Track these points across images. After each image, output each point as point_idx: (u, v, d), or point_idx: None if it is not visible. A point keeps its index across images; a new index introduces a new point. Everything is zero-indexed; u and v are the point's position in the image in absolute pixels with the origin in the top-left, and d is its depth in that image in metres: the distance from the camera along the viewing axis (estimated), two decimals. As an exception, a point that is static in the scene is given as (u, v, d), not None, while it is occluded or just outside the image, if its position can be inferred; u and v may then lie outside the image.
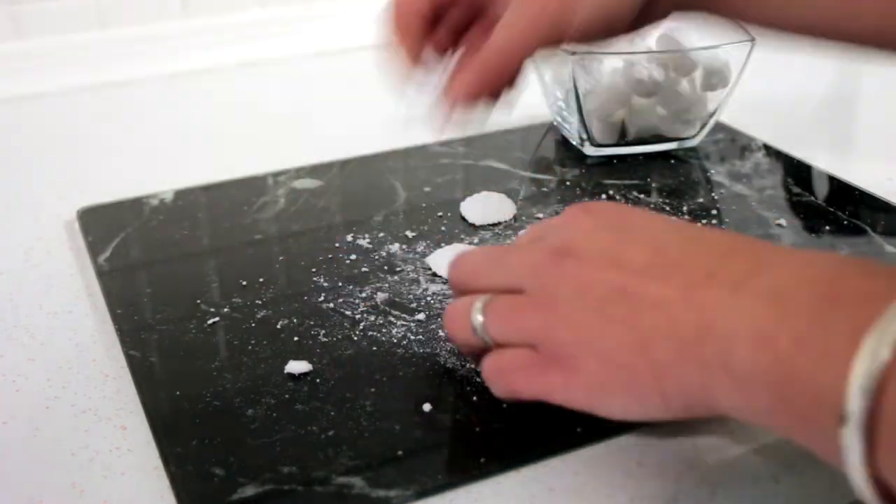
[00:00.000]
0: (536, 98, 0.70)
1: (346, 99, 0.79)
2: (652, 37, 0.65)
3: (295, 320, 0.49)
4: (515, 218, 0.58)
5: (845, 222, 0.57)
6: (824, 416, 0.29)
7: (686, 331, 0.33)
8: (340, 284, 0.52)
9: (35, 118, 0.76)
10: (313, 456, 0.40)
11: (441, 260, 0.53)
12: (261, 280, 0.52)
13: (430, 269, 0.53)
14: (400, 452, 0.40)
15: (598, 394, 0.37)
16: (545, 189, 0.62)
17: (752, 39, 0.64)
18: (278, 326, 0.48)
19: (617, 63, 0.63)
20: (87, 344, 0.49)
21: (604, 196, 0.60)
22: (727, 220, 0.58)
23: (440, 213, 0.59)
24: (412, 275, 0.52)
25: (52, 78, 0.80)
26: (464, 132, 0.64)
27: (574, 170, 0.65)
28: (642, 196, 0.60)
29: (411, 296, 0.50)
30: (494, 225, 0.57)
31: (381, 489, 0.38)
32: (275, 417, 0.42)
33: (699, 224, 0.36)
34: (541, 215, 0.58)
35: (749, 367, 0.31)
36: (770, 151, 0.67)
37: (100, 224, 0.58)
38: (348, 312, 0.49)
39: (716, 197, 0.61)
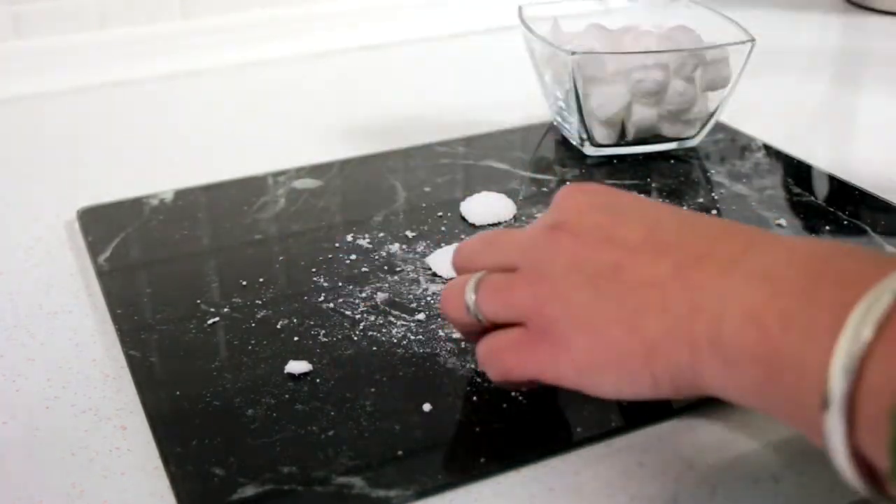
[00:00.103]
0: (536, 98, 0.71)
1: (346, 99, 0.79)
2: (652, 36, 0.65)
3: (295, 320, 0.49)
4: (515, 218, 0.58)
5: (845, 222, 0.57)
6: (808, 394, 0.29)
7: (677, 309, 0.34)
8: (340, 284, 0.52)
9: (35, 118, 0.76)
10: (313, 456, 0.40)
11: (441, 260, 0.53)
12: (261, 280, 0.52)
13: (430, 269, 0.53)
14: (400, 452, 0.40)
15: (587, 371, 0.36)
16: (545, 189, 0.62)
17: (752, 39, 0.64)
18: (278, 326, 0.48)
19: (617, 63, 0.62)
20: (87, 344, 0.49)
21: (604, 196, 0.60)
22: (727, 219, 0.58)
23: (440, 213, 0.59)
24: (412, 275, 0.52)
25: (52, 78, 0.80)
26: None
27: (574, 170, 0.65)
28: (642, 196, 0.60)
29: (411, 296, 0.50)
30: (494, 225, 0.57)
31: (381, 489, 0.38)
32: (275, 417, 0.42)
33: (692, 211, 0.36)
34: (541, 215, 0.58)
35: (737, 344, 0.32)
36: (770, 151, 0.67)
37: (100, 224, 0.58)
38: (348, 312, 0.49)
39: (716, 197, 0.61)
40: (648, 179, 0.63)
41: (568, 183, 0.62)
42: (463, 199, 0.60)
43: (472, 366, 0.45)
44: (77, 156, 0.70)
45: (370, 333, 0.47)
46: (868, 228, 0.56)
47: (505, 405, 0.43)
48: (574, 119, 0.65)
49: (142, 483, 0.40)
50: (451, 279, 0.51)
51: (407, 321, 0.48)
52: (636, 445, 0.41)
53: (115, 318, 0.49)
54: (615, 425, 0.42)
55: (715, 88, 0.65)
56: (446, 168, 0.65)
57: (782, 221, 0.57)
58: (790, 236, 0.34)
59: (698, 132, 0.67)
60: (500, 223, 0.58)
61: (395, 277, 0.52)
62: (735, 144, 0.68)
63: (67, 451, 0.41)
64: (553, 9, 0.70)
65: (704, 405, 0.43)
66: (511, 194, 0.60)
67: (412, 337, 0.47)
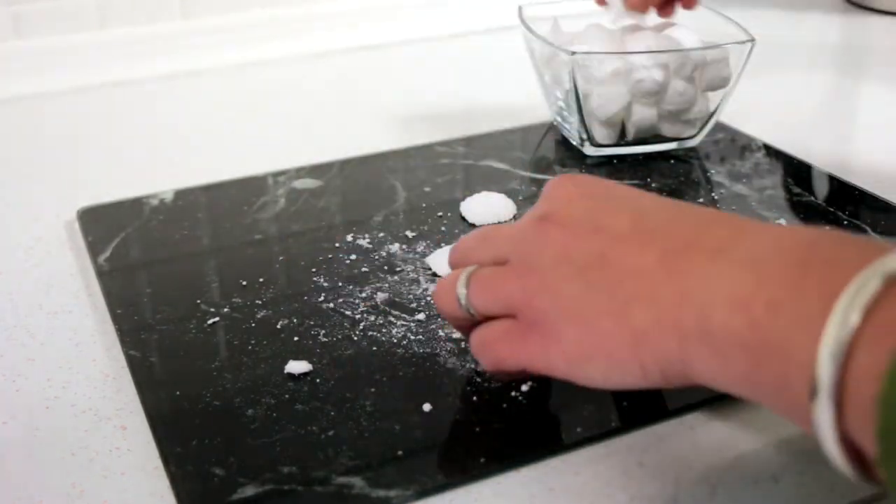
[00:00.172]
0: (536, 98, 0.71)
1: (346, 99, 0.79)
2: (652, 36, 0.65)
3: (295, 320, 0.49)
4: (515, 218, 0.58)
5: (845, 222, 0.57)
6: (796, 381, 0.29)
7: (665, 298, 0.34)
8: (340, 284, 0.52)
9: (35, 118, 0.76)
10: (313, 456, 0.40)
11: (441, 260, 0.53)
12: (261, 280, 0.52)
13: (430, 269, 0.53)
14: (400, 452, 0.40)
15: (577, 362, 0.36)
16: (545, 189, 0.62)
17: (752, 39, 0.64)
18: (278, 326, 0.48)
19: (617, 63, 0.62)
20: (87, 344, 0.49)
21: (604, 196, 0.60)
22: (727, 220, 0.58)
23: (440, 213, 0.59)
24: (412, 275, 0.52)
25: (52, 78, 0.80)
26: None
27: (574, 170, 0.65)
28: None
29: (411, 296, 0.50)
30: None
31: (381, 489, 0.38)
32: (275, 417, 0.42)
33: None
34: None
35: (724, 333, 0.32)
36: (770, 151, 0.67)
37: (100, 224, 0.58)
38: (348, 312, 0.49)
39: (716, 197, 0.61)
40: (648, 179, 0.63)
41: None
42: (463, 199, 0.60)
43: (472, 366, 0.45)
44: (77, 156, 0.70)
45: (370, 333, 0.47)
46: (868, 228, 0.56)
47: (505, 405, 0.43)
48: (574, 119, 0.65)
49: (142, 483, 0.40)
50: (450, 279, 0.51)
51: (407, 321, 0.48)
52: (636, 445, 0.41)
53: (115, 318, 0.49)
54: (615, 425, 0.42)
55: (715, 88, 0.65)
56: (446, 168, 0.65)
57: (782, 221, 0.57)
58: (776, 225, 0.34)
59: (698, 132, 0.67)
60: (500, 223, 0.58)
61: (395, 277, 0.52)
62: (735, 144, 0.68)
63: (67, 451, 0.41)
64: (553, 9, 0.70)
65: (704, 405, 0.43)
66: (511, 194, 0.60)
67: (412, 337, 0.47)
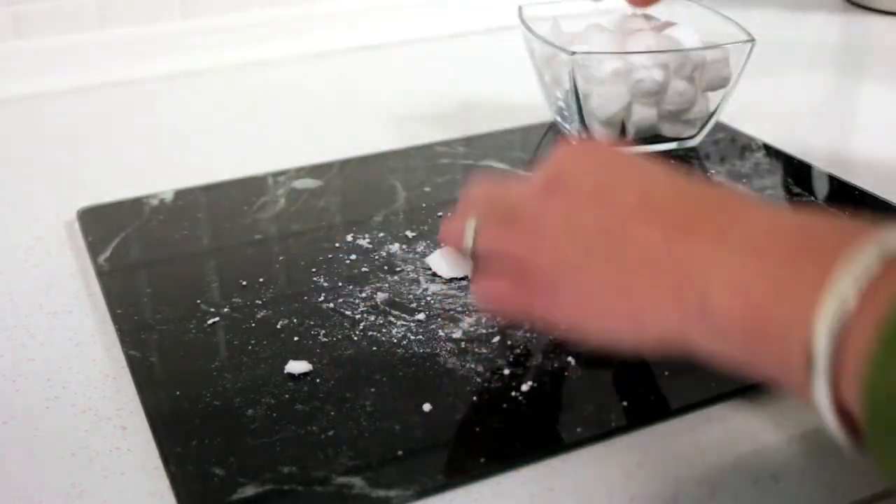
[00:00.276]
0: (536, 98, 0.70)
1: (346, 99, 0.79)
2: (652, 36, 0.65)
3: (295, 320, 0.49)
4: (515, 218, 0.58)
5: (845, 222, 0.57)
6: (795, 357, 0.30)
7: (666, 278, 0.34)
8: (340, 284, 0.52)
9: (35, 118, 0.76)
10: (313, 456, 0.40)
11: (441, 260, 0.53)
12: (261, 280, 0.52)
13: (430, 269, 0.53)
14: (400, 452, 0.40)
15: (576, 322, 0.38)
16: (545, 189, 0.62)
17: (752, 39, 0.64)
18: (278, 326, 0.48)
19: (617, 63, 0.62)
20: (87, 344, 0.49)
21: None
22: (727, 220, 0.58)
23: (440, 213, 0.59)
24: (412, 275, 0.52)
25: (52, 78, 0.80)
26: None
27: (574, 170, 0.64)
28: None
29: (411, 296, 0.50)
30: (494, 225, 0.57)
31: (381, 489, 0.38)
32: (275, 417, 0.42)
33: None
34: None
35: (724, 314, 0.33)
36: (770, 151, 0.67)
37: (100, 224, 0.58)
38: (348, 312, 0.49)
39: (716, 197, 0.61)
40: (648, 179, 0.63)
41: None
42: (463, 199, 0.60)
43: (472, 365, 0.45)
44: (77, 156, 0.70)
45: (370, 333, 0.47)
46: (868, 228, 0.56)
47: (505, 405, 0.43)
48: (574, 119, 0.65)
49: (142, 483, 0.40)
50: (451, 279, 0.51)
51: (407, 321, 0.48)
52: (636, 445, 0.41)
53: (115, 318, 0.49)
54: (615, 425, 0.42)
55: (715, 88, 0.65)
56: (446, 168, 0.65)
57: (782, 221, 0.57)
58: (777, 207, 0.36)
59: (698, 132, 0.66)
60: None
61: (395, 277, 0.52)
62: (735, 144, 0.68)
63: (67, 451, 0.41)
64: (553, 9, 0.70)
65: (704, 405, 0.43)
66: (511, 194, 0.60)
67: (412, 337, 0.47)
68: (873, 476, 0.43)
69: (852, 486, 0.43)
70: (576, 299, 0.37)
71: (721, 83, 0.65)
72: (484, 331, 0.47)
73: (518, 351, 0.46)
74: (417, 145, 0.68)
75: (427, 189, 0.62)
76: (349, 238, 0.56)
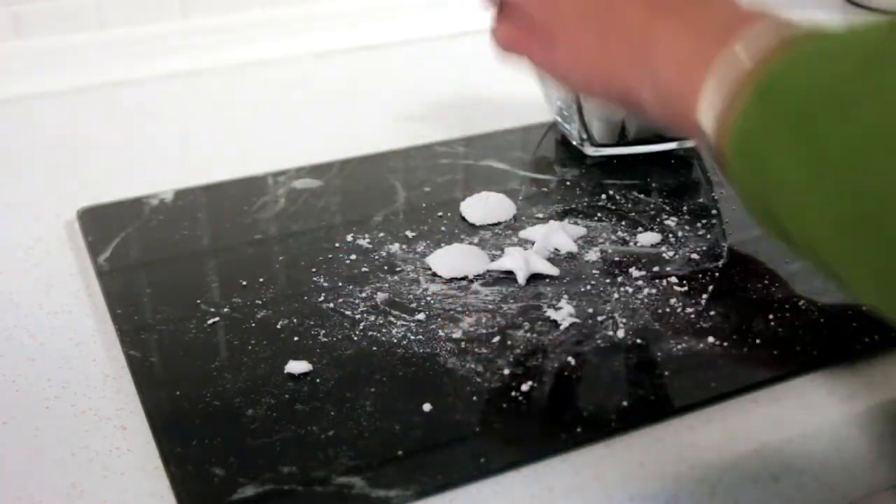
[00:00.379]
0: (536, 98, 0.70)
1: (346, 99, 0.79)
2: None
3: (295, 320, 0.49)
4: (515, 218, 0.58)
5: (845, 222, 0.57)
6: (694, 111, 0.39)
7: (638, 45, 0.43)
8: (340, 284, 0.52)
9: (35, 118, 0.76)
10: (313, 456, 0.40)
11: (441, 260, 0.53)
12: (261, 280, 0.52)
13: (430, 269, 0.53)
14: (400, 452, 0.40)
15: (566, 68, 0.47)
16: (545, 189, 0.62)
17: (752, 39, 0.64)
18: (278, 326, 0.48)
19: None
20: (87, 344, 0.49)
21: (604, 196, 0.60)
22: (727, 220, 0.58)
23: (440, 213, 0.59)
24: (412, 275, 0.52)
25: (52, 78, 0.80)
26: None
27: (574, 170, 0.65)
28: (642, 196, 0.60)
29: (411, 296, 0.50)
30: (494, 225, 0.57)
31: (381, 489, 0.38)
32: (275, 417, 0.42)
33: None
34: (541, 215, 0.58)
35: (667, 85, 0.41)
36: (770, 151, 0.67)
37: (100, 224, 0.58)
38: (348, 312, 0.49)
39: (716, 197, 0.61)
40: (648, 179, 0.63)
41: (568, 182, 0.62)
42: (463, 199, 0.60)
43: (472, 365, 0.45)
44: (77, 156, 0.70)
45: (370, 333, 0.47)
46: (868, 228, 0.56)
47: (505, 405, 0.43)
48: (574, 119, 0.65)
49: (142, 483, 0.40)
50: (451, 279, 0.51)
51: (407, 321, 0.48)
52: (636, 445, 0.41)
53: (115, 318, 0.49)
54: (615, 425, 0.42)
55: (715, 88, 0.65)
56: (446, 168, 0.65)
57: (782, 221, 0.57)
58: (741, 4, 0.41)
59: (698, 132, 0.66)
60: (499, 223, 0.58)
61: (395, 277, 0.52)
62: (735, 144, 0.68)
63: (67, 451, 0.41)
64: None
65: (704, 405, 0.43)
66: (511, 194, 0.60)
67: (412, 337, 0.47)
68: (872, 476, 0.43)
69: (852, 486, 0.43)
70: (567, 54, 0.46)
71: (721, 83, 0.65)
72: (484, 331, 0.47)
73: (518, 351, 0.46)
74: (417, 145, 0.68)
75: (427, 189, 0.62)
76: (349, 238, 0.56)
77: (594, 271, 0.52)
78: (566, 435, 0.41)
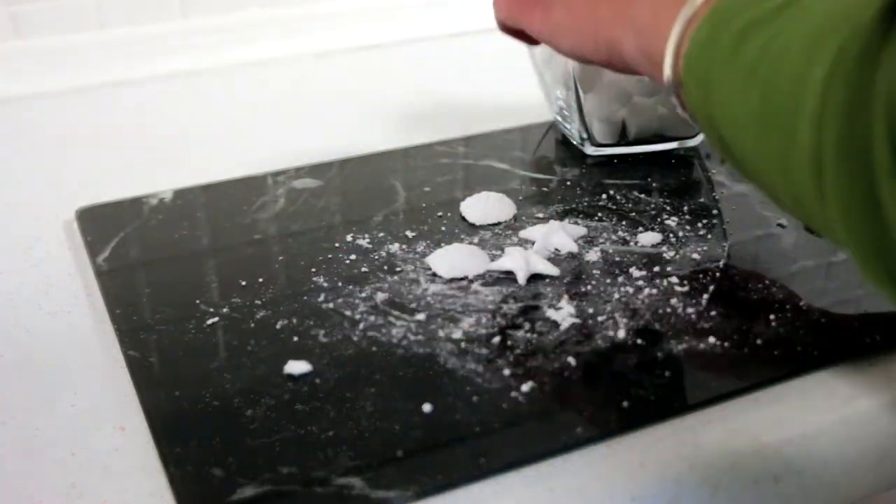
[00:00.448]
0: (536, 98, 0.70)
1: (346, 99, 0.79)
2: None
3: (295, 320, 0.48)
4: (515, 218, 0.58)
5: (846, 222, 0.57)
6: (664, 46, 0.44)
7: (622, 13, 0.47)
8: (340, 284, 0.52)
9: (35, 118, 0.76)
10: (313, 456, 0.40)
11: (441, 260, 0.53)
12: (260, 280, 0.52)
13: (430, 269, 0.53)
14: (400, 452, 0.40)
15: (557, 31, 0.51)
16: (545, 189, 0.62)
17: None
18: (278, 326, 0.48)
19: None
20: (86, 344, 0.49)
21: (604, 196, 0.60)
22: (728, 219, 0.58)
23: (440, 213, 0.59)
24: (412, 275, 0.52)
25: (52, 78, 0.80)
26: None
27: (574, 170, 0.64)
28: (643, 196, 0.60)
29: (411, 296, 0.50)
30: (494, 225, 0.57)
31: (381, 489, 0.38)
32: (274, 417, 0.42)
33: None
34: (541, 215, 0.58)
35: (636, 49, 0.46)
36: (770, 151, 0.67)
37: (99, 224, 0.58)
38: (348, 312, 0.49)
39: (717, 197, 0.61)
40: (649, 179, 0.63)
41: (568, 182, 0.62)
42: (463, 199, 0.60)
43: (472, 366, 0.45)
44: (76, 156, 0.70)
45: (370, 333, 0.47)
46: (868, 228, 0.56)
47: (505, 405, 0.43)
48: (574, 119, 0.65)
49: (142, 483, 0.40)
50: (451, 279, 0.51)
51: (407, 321, 0.48)
52: (636, 445, 0.41)
53: (114, 319, 0.49)
54: (615, 426, 0.42)
55: (715, 88, 0.65)
56: (446, 168, 0.65)
57: (783, 222, 0.57)
58: None
59: (699, 132, 0.66)
60: (500, 223, 0.57)
61: (395, 277, 0.52)
62: (735, 144, 0.68)
63: (67, 451, 0.41)
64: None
65: (704, 405, 0.43)
66: (511, 194, 0.60)
67: (412, 337, 0.47)
68: (873, 476, 0.43)
69: (853, 487, 0.43)
70: (561, 17, 0.51)
71: (721, 83, 0.65)
72: (484, 331, 0.47)
73: (518, 351, 0.46)
74: (417, 145, 0.68)
75: (427, 189, 0.62)
76: (349, 238, 0.56)
77: (595, 271, 0.52)
78: (566, 435, 0.41)
